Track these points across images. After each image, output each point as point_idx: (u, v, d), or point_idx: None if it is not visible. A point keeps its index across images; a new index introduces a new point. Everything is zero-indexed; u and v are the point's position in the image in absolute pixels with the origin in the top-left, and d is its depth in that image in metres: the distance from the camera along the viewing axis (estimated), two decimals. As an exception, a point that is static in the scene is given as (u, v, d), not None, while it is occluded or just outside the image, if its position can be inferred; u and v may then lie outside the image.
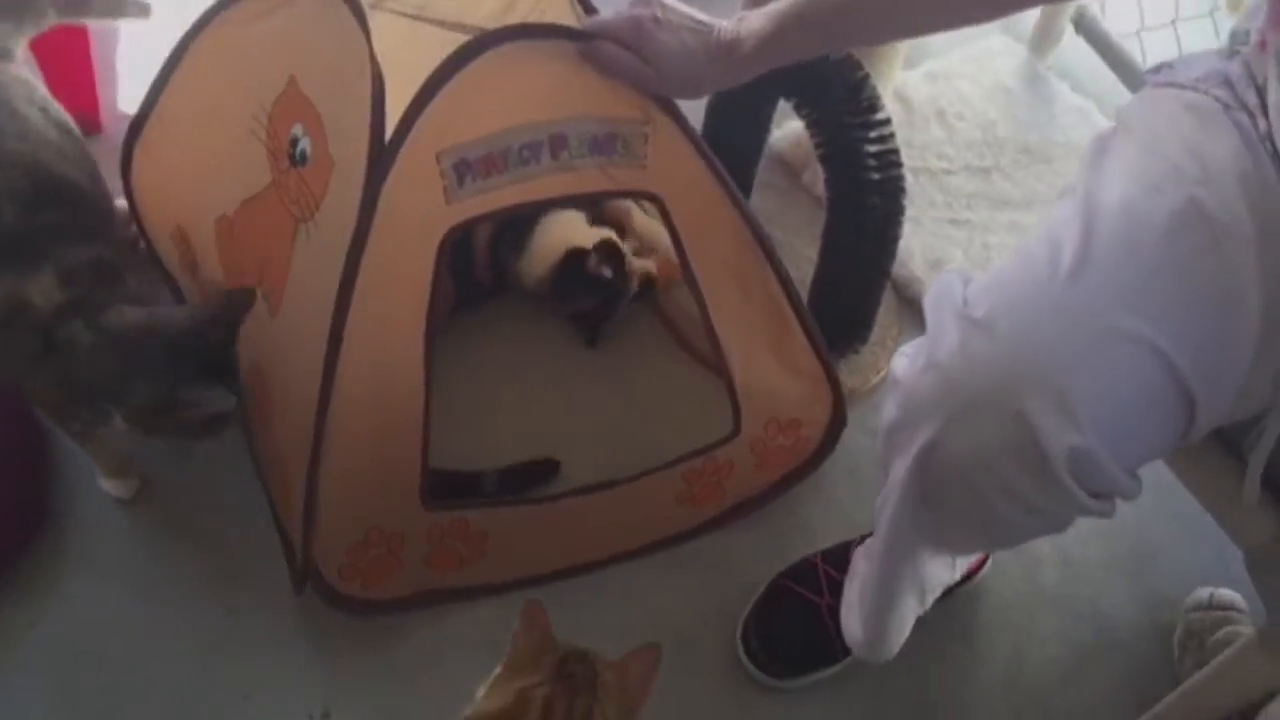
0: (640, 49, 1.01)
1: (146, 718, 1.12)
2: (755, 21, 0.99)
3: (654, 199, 1.13)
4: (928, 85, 1.84)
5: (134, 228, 1.37)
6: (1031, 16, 1.93)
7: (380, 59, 0.98)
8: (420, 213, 0.99)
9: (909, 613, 1.06)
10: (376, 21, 1.04)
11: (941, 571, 1.07)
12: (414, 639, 1.19)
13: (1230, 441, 0.97)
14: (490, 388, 1.39)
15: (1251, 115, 0.84)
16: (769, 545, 1.30)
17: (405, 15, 1.24)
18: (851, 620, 1.11)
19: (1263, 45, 0.84)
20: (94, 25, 1.53)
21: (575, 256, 1.37)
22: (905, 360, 0.85)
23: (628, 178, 1.10)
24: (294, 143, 1.07)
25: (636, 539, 1.27)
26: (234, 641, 1.17)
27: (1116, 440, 0.76)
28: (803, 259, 1.48)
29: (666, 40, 1.01)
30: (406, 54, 1.02)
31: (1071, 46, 1.89)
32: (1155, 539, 1.38)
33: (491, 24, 1.12)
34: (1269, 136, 0.82)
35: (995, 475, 0.79)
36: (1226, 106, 0.85)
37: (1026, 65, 1.91)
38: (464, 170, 1.00)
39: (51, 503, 1.24)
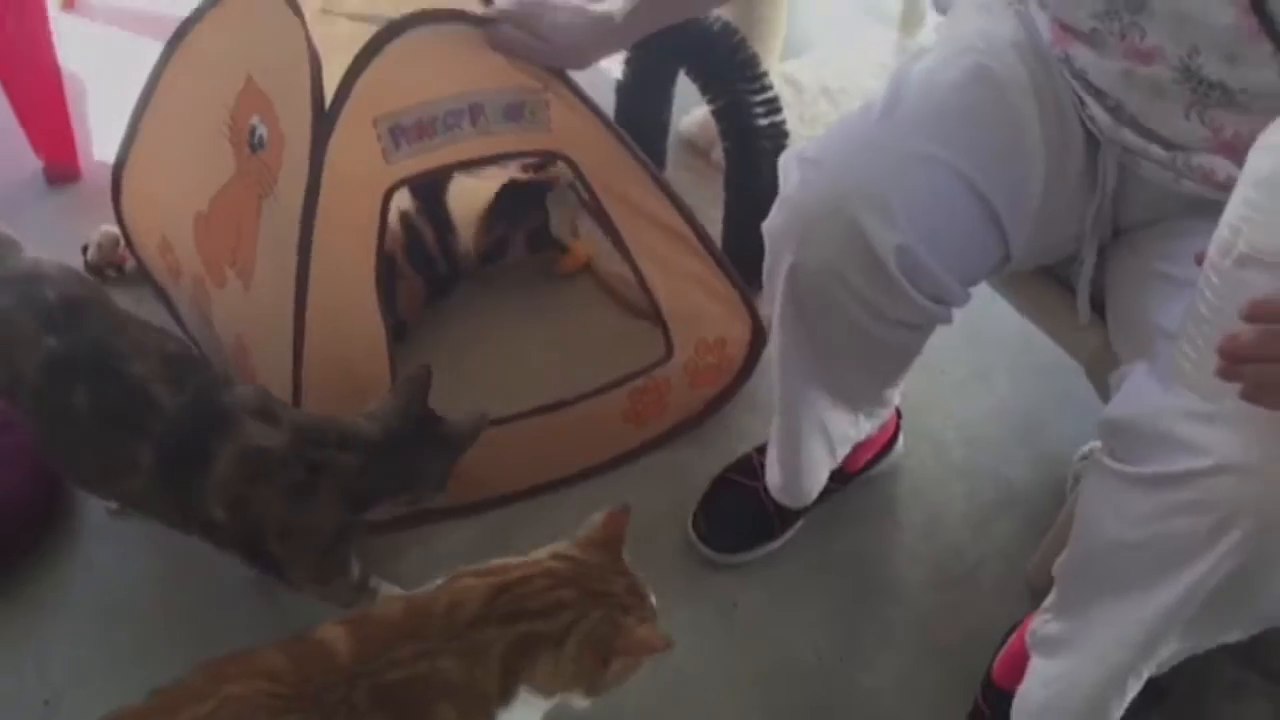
0: (533, 28, 1.22)
1: (179, 659, 1.25)
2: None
3: (563, 157, 1.32)
4: (813, 69, 2.07)
5: (123, 249, 1.56)
6: (896, 3, 2.19)
7: (329, 54, 1.17)
8: (363, 171, 1.17)
9: (819, 459, 1.24)
10: (330, 27, 1.23)
11: (845, 426, 1.24)
12: (408, 557, 1.35)
13: (1061, 277, 1.17)
14: (456, 356, 1.57)
15: (1023, 2, 1.05)
16: (711, 455, 1.47)
17: (354, 17, 1.42)
18: (772, 470, 1.29)
19: None
20: (66, 78, 1.73)
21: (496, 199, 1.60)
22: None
23: (537, 140, 1.29)
24: (253, 132, 1.25)
25: (592, 456, 1.45)
26: (249, 581, 1.30)
27: (935, 243, 0.96)
28: (718, 225, 1.67)
29: (555, 19, 1.22)
30: (353, 48, 1.21)
31: (935, 23, 2.14)
32: (1045, 415, 1.58)
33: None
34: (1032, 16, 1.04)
35: (844, 282, 0.98)
36: (1009, 2, 1.07)
37: (899, 44, 2.15)
38: (399, 135, 1.19)
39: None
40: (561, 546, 0.98)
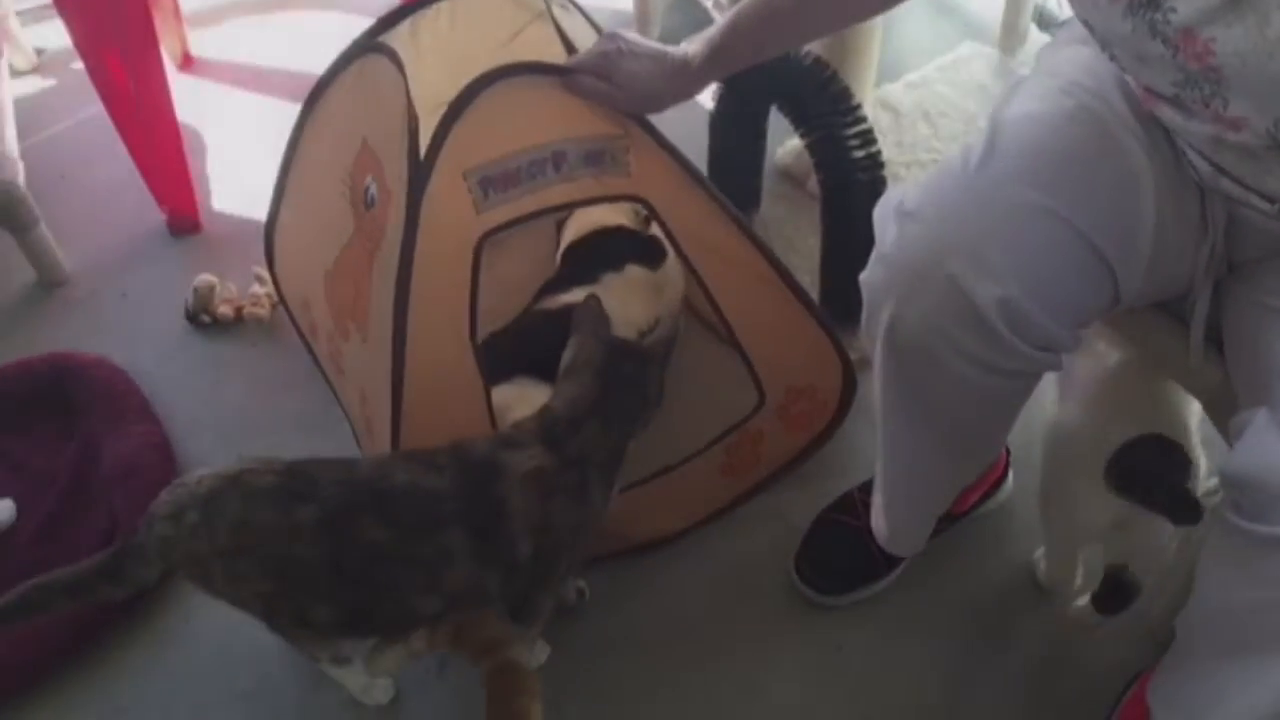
0: (611, 76, 1.21)
1: (294, 696, 1.31)
2: (699, 43, 1.19)
3: (642, 201, 1.31)
4: (910, 93, 2.04)
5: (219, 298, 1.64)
6: (996, 21, 2.13)
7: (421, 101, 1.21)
8: (456, 223, 1.19)
9: (926, 509, 1.20)
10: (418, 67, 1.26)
11: (952, 473, 1.20)
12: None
13: (1174, 311, 1.11)
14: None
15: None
16: (811, 493, 1.45)
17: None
18: (878, 520, 1.25)
19: None
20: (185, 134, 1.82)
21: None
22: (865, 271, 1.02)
23: (617, 185, 1.28)
24: (366, 190, 1.29)
25: (695, 513, 1.45)
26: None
27: (1040, 293, 0.90)
28: (815, 255, 1.65)
29: (631, 67, 1.21)
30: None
31: (1038, 42, 2.08)
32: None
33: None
34: None
35: (946, 336, 0.94)
36: None
37: (999, 64, 2.10)
38: (488, 185, 1.20)
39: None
40: None
